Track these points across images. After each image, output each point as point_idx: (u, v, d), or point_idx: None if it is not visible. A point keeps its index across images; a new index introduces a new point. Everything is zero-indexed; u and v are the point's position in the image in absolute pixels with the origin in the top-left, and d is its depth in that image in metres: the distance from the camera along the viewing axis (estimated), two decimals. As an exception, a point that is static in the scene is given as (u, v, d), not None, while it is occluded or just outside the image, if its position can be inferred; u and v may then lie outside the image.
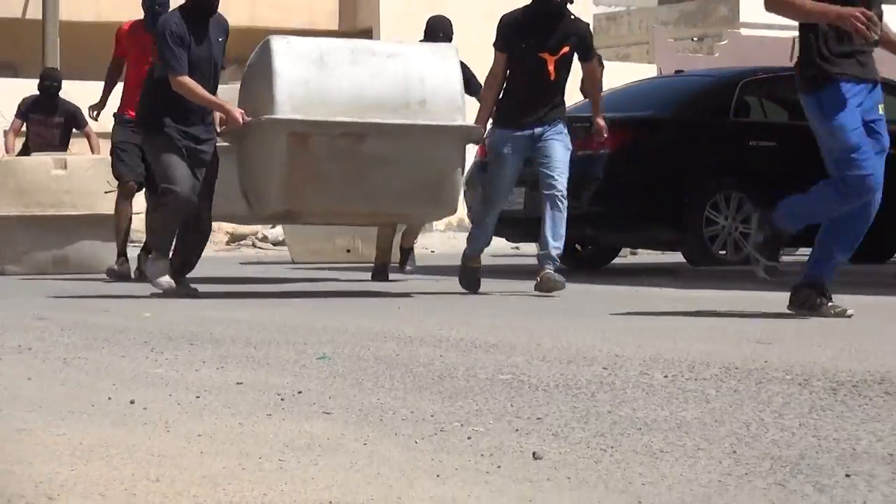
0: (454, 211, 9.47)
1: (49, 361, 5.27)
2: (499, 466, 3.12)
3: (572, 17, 9.64)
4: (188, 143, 9.06)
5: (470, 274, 9.76)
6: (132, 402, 4.12)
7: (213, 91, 9.14)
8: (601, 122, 9.83)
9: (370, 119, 8.79)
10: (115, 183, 11.67)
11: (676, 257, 14.02)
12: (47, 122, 14.38)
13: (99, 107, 12.05)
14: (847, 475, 2.99)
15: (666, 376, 4.62)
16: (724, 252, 13.42)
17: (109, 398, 4.21)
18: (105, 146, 13.22)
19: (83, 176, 12.96)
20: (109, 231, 12.31)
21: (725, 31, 29.85)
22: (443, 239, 21.42)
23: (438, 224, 21.95)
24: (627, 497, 2.79)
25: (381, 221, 9.62)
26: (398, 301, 8.95)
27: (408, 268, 11.88)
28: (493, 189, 9.62)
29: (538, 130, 9.30)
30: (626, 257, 16.57)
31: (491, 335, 6.07)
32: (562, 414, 3.87)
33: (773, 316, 7.34)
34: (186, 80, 8.91)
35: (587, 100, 10.88)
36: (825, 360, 4.98)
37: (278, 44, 8.90)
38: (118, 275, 11.34)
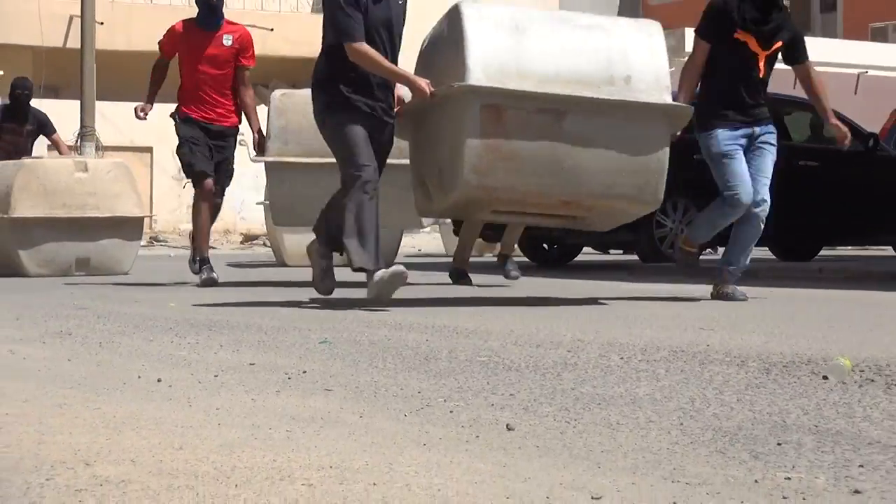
0: (657, 204, 7.34)
1: (86, 345, 5.26)
2: (477, 436, 3.12)
3: (787, 9, 8.05)
4: (373, 121, 7.15)
5: (690, 259, 8.21)
6: (159, 380, 4.11)
7: (394, 60, 7.24)
8: (842, 126, 8.03)
9: (572, 94, 6.90)
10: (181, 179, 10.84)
11: (631, 255, 14.04)
12: (19, 131, 13.50)
13: (146, 108, 10.09)
14: (778, 444, 3.00)
15: (622, 358, 4.62)
16: (671, 250, 13.47)
17: (139, 377, 4.21)
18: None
19: (104, 178, 11.84)
20: (130, 232, 11.79)
21: (673, 60, 29.94)
22: (428, 239, 21.39)
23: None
24: (588, 463, 2.79)
25: (576, 212, 7.38)
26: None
27: (513, 273, 9.66)
28: (734, 186, 7.58)
29: (757, 130, 7.73)
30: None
31: (470, 322, 6.07)
32: (531, 391, 3.87)
33: (713, 306, 7.36)
34: (365, 47, 6.99)
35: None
36: (759, 345, 4.99)
37: (469, 9, 6.97)
38: (208, 282, 9.40)
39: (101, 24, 22.97)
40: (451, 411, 3.51)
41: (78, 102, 22.28)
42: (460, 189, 6.91)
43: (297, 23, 27.70)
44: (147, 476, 2.58)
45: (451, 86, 6.82)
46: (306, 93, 8.18)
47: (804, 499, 2.45)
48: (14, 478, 2.56)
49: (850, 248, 18.35)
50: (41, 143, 14.02)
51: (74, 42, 23.43)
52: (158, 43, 9.99)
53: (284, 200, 9.28)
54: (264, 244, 21.27)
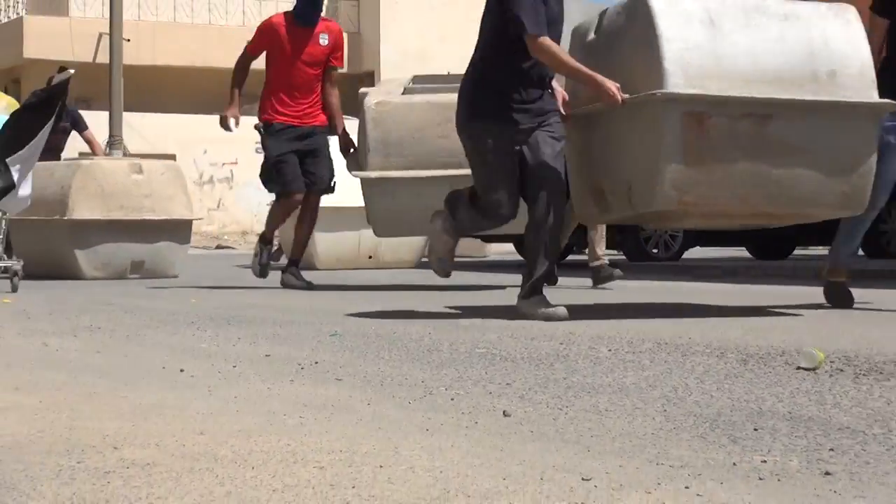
0: (863, 210, 6.16)
1: (114, 338, 5.26)
2: (476, 422, 3.12)
3: None
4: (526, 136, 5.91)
5: (838, 289, 6.86)
6: (181, 370, 4.11)
7: None
8: None
9: (776, 95, 5.77)
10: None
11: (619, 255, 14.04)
12: (57, 128, 12.52)
13: (236, 115, 8.82)
14: (755, 429, 3.00)
15: (610, 350, 4.62)
16: (655, 251, 13.49)
17: (163, 367, 4.21)
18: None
19: (159, 180, 10.91)
20: (181, 235, 11.03)
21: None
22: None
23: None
24: (579, 447, 2.79)
25: (778, 223, 6.60)
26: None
27: (616, 271, 8.73)
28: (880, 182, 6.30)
29: None
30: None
31: (469, 317, 6.07)
32: (526, 380, 3.87)
33: (693, 301, 7.36)
34: (549, 41, 5.83)
35: None
36: (737, 337, 4.99)
37: (659, 2, 5.77)
38: (304, 285, 8.76)
39: (128, 41, 22.97)
40: (451, 399, 3.50)
41: (107, 113, 22.28)
42: (657, 206, 5.84)
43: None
44: (171, 459, 2.58)
45: (651, 94, 5.67)
46: (403, 101, 7.80)
47: (779, 480, 2.44)
48: (47, 460, 2.56)
49: (819, 247, 18.34)
50: (70, 143, 13.44)
51: (103, 58, 23.45)
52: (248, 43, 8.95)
53: (388, 214, 8.20)
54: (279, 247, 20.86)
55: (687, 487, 2.34)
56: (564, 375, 3.97)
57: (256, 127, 8.80)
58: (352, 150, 8.41)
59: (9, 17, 26.69)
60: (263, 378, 3.94)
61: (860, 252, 14.61)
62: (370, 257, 12.65)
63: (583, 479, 2.40)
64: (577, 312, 6.07)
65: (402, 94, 8.16)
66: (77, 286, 9.35)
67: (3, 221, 8.54)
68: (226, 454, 2.63)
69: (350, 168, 8.34)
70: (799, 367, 4.10)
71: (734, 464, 2.60)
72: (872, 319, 6.14)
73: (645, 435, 2.93)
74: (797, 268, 12.08)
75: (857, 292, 6.95)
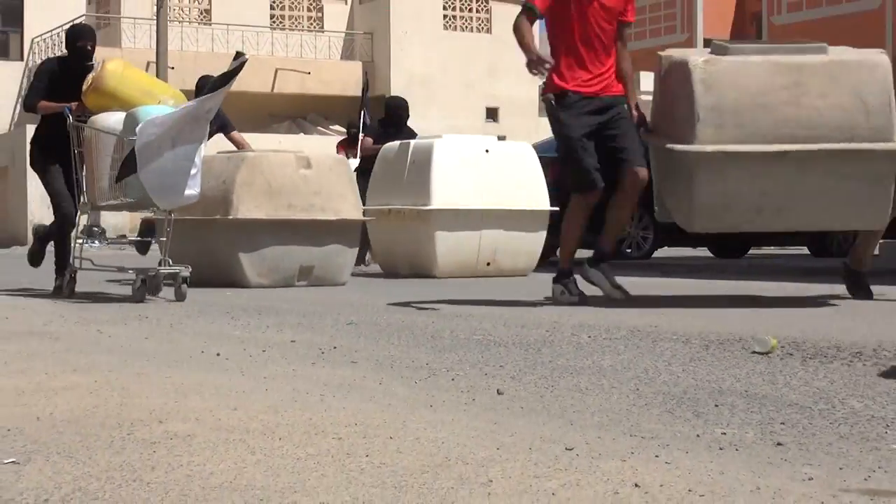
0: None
1: (160, 326, 5.26)
2: (473, 399, 3.11)
3: None
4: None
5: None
6: (218, 354, 4.11)
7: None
8: None
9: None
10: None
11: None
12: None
13: (548, 60, 6.08)
14: (716, 405, 2.99)
15: (589, 336, 4.61)
16: (629, 250, 13.47)
17: (202, 352, 4.20)
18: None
19: (328, 176, 8.52)
20: (351, 238, 8.64)
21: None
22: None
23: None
24: (563, 420, 2.78)
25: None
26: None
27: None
28: None
29: None
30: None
31: (467, 309, 6.06)
32: (517, 363, 3.86)
33: (661, 294, 7.35)
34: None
35: None
36: (700, 326, 4.98)
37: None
38: (578, 299, 6.36)
39: (173, 68, 22.98)
40: (452, 379, 3.50)
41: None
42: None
43: (329, 67, 27.70)
44: (208, 431, 2.57)
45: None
46: (738, 61, 5.90)
47: (737, 449, 2.44)
48: (101, 433, 2.56)
49: (773, 247, 18.34)
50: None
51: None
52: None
53: (715, 201, 5.93)
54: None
55: (657, 456, 2.34)
56: (550, 359, 3.97)
57: (545, 98, 6.33)
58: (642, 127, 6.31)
59: (69, 48, 26.70)
60: (289, 361, 3.94)
61: (806, 251, 14.62)
62: (488, 264, 9.98)
63: (566, 448, 2.40)
64: (561, 305, 6.06)
65: (729, 54, 6.02)
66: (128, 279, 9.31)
67: (169, 223, 6.94)
68: (256, 427, 2.63)
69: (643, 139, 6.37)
70: (754, 352, 4.09)
71: (698, 435, 2.59)
72: (818, 311, 6.13)
73: (620, 410, 2.93)
74: (752, 265, 12.07)
75: (806, 287, 6.93)
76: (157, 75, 22.13)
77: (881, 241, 13.08)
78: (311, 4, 29.53)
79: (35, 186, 22.84)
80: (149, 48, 24.26)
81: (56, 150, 7.39)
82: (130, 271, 7.02)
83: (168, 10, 23.36)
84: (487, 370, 3.69)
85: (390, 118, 11.53)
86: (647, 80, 29.25)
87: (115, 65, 7.16)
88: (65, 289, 7.22)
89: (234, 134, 9.52)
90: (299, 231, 8.30)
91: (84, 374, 3.54)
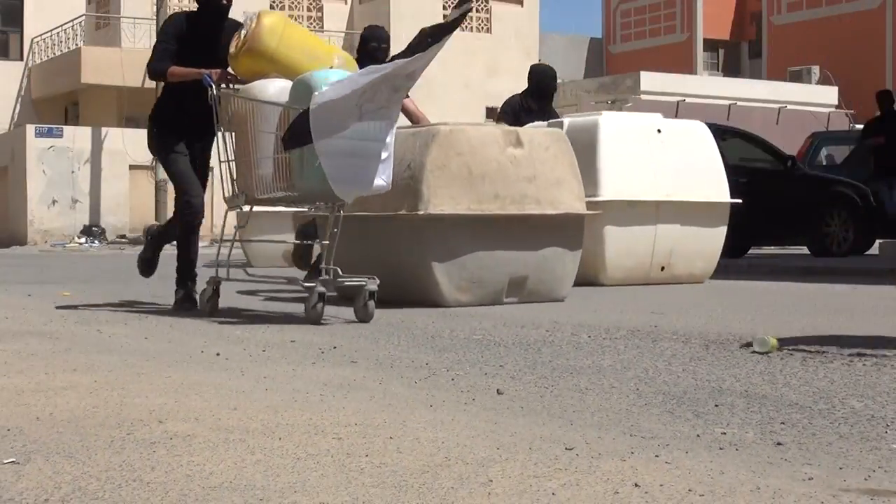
0: None
1: (160, 326, 5.26)
2: (473, 399, 3.11)
3: None
4: None
5: None
6: (217, 354, 4.11)
7: None
8: None
9: None
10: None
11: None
12: None
13: None
14: (716, 405, 2.99)
15: (589, 336, 4.61)
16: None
17: (202, 351, 4.20)
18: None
19: (543, 156, 6.46)
20: (572, 238, 6.63)
21: (630, 97, 29.87)
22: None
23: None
24: (562, 420, 2.78)
25: None
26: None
27: None
28: None
29: None
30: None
31: (466, 308, 6.06)
32: (517, 363, 3.86)
33: (658, 294, 7.35)
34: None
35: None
36: (700, 325, 4.98)
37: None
38: None
39: (172, 68, 22.97)
40: (452, 379, 3.50)
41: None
42: None
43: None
44: (208, 431, 2.57)
45: None
46: None
47: (737, 449, 2.44)
48: (101, 432, 2.56)
49: (773, 247, 18.36)
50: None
51: (150, 83, 23.45)
52: None
53: None
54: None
55: (657, 456, 2.34)
56: (550, 359, 3.97)
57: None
58: None
59: (69, 49, 26.68)
60: (289, 361, 3.94)
61: (806, 251, 14.62)
62: (662, 269, 8.44)
63: (566, 448, 2.40)
64: (561, 304, 6.06)
65: None
66: (123, 280, 9.31)
67: (335, 221, 5.43)
68: (256, 427, 2.63)
69: None
70: (754, 352, 4.09)
71: (698, 435, 2.59)
72: (818, 311, 6.13)
73: (620, 410, 2.93)
74: (752, 265, 12.07)
75: (803, 287, 6.94)
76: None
77: (881, 241, 13.20)
78: (311, 4, 29.53)
79: (35, 186, 22.89)
80: (149, 48, 24.22)
81: (185, 128, 5.98)
82: (303, 284, 5.57)
83: (168, 10, 23.34)
84: (487, 370, 3.69)
85: (537, 91, 8.74)
86: (646, 80, 29.31)
87: (273, 20, 5.56)
88: (202, 304, 5.79)
89: (408, 102, 6.95)
90: (508, 230, 6.26)
91: (84, 374, 3.54)
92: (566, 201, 6.53)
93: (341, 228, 5.41)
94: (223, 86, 5.59)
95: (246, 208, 5.44)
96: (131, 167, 23.38)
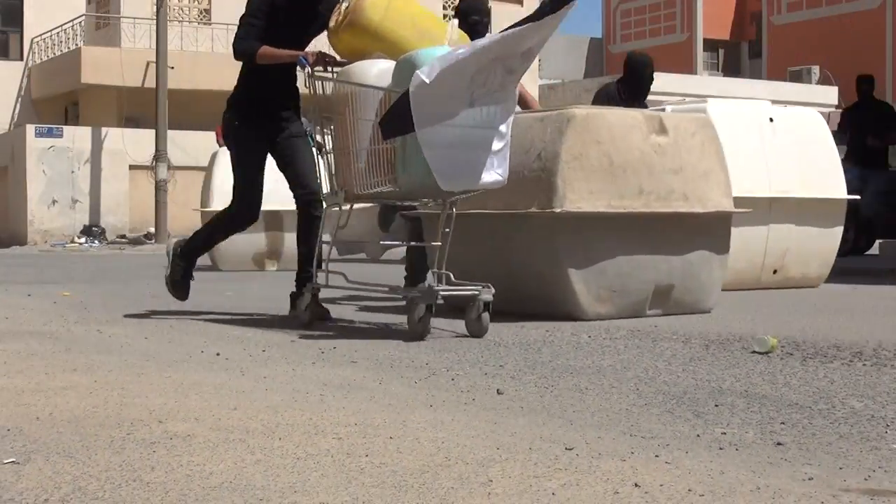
0: None
1: (160, 326, 5.25)
2: (473, 399, 3.11)
3: None
4: None
5: None
6: (218, 354, 4.11)
7: None
8: None
9: None
10: None
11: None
12: None
13: None
14: (716, 405, 2.99)
15: (589, 336, 4.61)
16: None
17: (202, 351, 4.20)
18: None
19: (689, 144, 5.62)
20: (719, 239, 5.79)
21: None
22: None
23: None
24: (562, 420, 2.78)
25: None
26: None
27: None
28: None
29: None
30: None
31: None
32: (517, 363, 3.86)
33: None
34: None
35: None
36: (700, 326, 4.98)
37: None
38: None
39: (172, 68, 22.98)
40: (452, 379, 3.50)
41: (153, 131, 22.31)
42: None
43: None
44: (208, 431, 2.57)
45: None
46: None
47: (737, 449, 2.44)
48: (101, 433, 2.55)
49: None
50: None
51: (150, 83, 23.47)
52: None
53: None
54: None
55: (657, 456, 2.34)
56: (550, 359, 3.96)
57: None
58: None
59: (69, 49, 26.69)
60: (289, 360, 3.94)
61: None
62: (775, 272, 7.72)
63: (566, 448, 2.40)
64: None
65: None
66: (124, 279, 9.31)
67: (447, 219, 4.83)
68: (256, 427, 2.63)
69: None
70: (753, 352, 4.09)
71: (698, 435, 2.59)
72: (818, 311, 6.13)
73: (620, 410, 2.93)
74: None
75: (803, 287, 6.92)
76: (157, 75, 22.14)
77: (881, 241, 13.01)
78: (310, 4, 29.54)
79: (35, 186, 22.88)
80: (149, 48, 24.24)
81: (271, 118, 5.35)
82: (404, 293, 5.07)
83: (168, 10, 23.35)
84: (487, 370, 3.69)
85: (633, 80, 7.95)
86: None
87: None
88: (299, 313, 5.14)
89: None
90: (653, 231, 5.46)
91: (84, 374, 3.54)
92: (714, 197, 5.67)
93: (453, 228, 4.80)
94: (320, 69, 4.91)
95: (344, 206, 4.85)
96: (131, 167, 23.37)
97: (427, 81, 4.17)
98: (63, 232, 22.85)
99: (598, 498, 1.98)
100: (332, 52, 5.04)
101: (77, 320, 5.49)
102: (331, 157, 4.84)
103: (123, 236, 22.76)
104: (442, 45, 4.59)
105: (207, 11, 27.95)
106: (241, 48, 5.21)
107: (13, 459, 2.28)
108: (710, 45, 42.95)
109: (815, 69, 34.96)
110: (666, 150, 5.48)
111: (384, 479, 2.11)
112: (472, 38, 5.18)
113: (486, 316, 4.59)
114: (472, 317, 4.63)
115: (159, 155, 21.92)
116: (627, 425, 2.71)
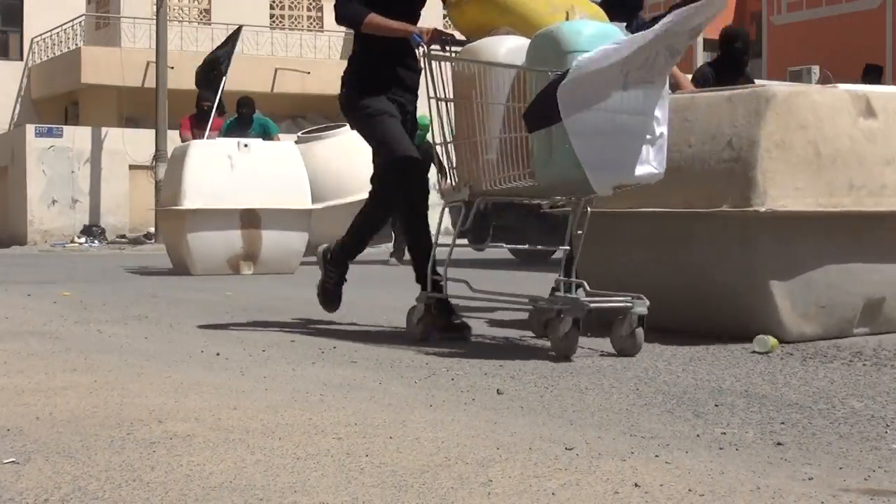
0: None
1: (160, 326, 5.25)
2: (473, 399, 3.11)
3: None
4: None
5: None
6: (217, 354, 4.11)
7: None
8: None
9: None
10: None
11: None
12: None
13: None
14: (716, 405, 2.99)
15: (589, 336, 4.61)
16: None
17: (202, 351, 4.20)
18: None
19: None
20: None
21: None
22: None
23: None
24: (562, 420, 2.78)
25: None
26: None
27: None
28: None
29: None
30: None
31: (466, 309, 6.06)
32: (517, 363, 3.86)
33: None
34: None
35: None
36: (700, 326, 4.97)
37: None
38: None
39: (172, 68, 22.97)
40: (452, 379, 3.50)
41: (153, 131, 22.31)
42: None
43: (328, 67, 27.68)
44: (208, 431, 2.57)
45: None
46: None
47: (737, 449, 2.44)
48: (101, 432, 2.55)
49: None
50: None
51: (150, 83, 23.47)
52: None
53: None
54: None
55: (657, 456, 2.34)
56: (550, 359, 3.96)
57: None
58: None
59: (69, 49, 26.69)
60: (289, 360, 3.94)
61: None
62: None
63: (566, 448, 2.40)
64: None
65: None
66: (125, 279, 9.30)
67: (581, 219, 4.35)
68: (256, 427, 2.63)
69: None
70: (754, 352, 4.09)
71: (698, 435, 2.59)
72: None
73: (620, 410, 2.93)
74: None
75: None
76: (157, 75, 22.14)
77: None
78: (310, 4, 29.53)
79: (35, 186, 22.89)
80: (148, 48, 24.23)
81: (397, 87, 4.65)
82: (538, 305, 4.35)
83: (168, 10, 23.35)
84: (487, 370, 3.69)
85: (727, 56, 7.08)
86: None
87: None
88: (410, 325, 4.56)
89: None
90: (864, 234, 4.59)
91: (84, 374, 3.54)
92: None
93: (589, 229, 4.28)
94: (437, 48, 4.29)
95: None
96: (131, 167, 23.36)
97: (587, 70, 3.71)
98: (63, 232, 22.85)
99: (598, 498, 1.98)
100: (449, 30, 4.45)
101: (77, 320, 5.49)
102: (451, 147, 4.23)
103: (123, 236, 22.76)
104: (591, 19, 4.11)
105: (207, 11, 27.95)
106: (345, 12, 4.56)
107: (13, 459, 2.28)
108: (711, 45, 42.96)
109: (815, 69, 34.94)
110: (876, 137, 4.53)
111: (384, 479, 2.11)
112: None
113: (640, 332, 3.99)
114: (622, 333, 4.02)
115: (159, 155, 21.90)
116: (627, 425, 2.71)
